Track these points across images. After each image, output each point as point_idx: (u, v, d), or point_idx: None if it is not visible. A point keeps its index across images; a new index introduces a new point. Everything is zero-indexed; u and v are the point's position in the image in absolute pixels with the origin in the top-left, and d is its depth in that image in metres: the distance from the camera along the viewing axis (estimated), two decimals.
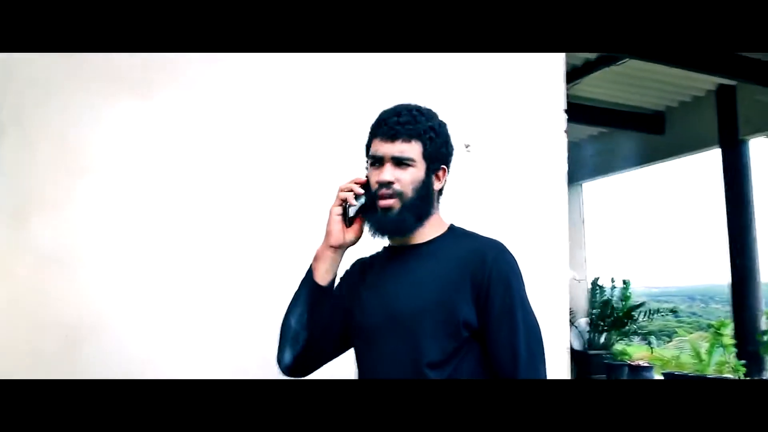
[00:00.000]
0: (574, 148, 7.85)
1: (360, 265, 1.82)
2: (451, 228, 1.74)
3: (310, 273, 1.75)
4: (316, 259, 1.74)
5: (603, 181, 8.75)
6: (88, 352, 2.19)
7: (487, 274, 1.60)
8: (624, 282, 7.21)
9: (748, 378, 4.63)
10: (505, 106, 2.72)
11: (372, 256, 1.81)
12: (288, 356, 1.74)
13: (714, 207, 6.64)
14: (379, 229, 1.66)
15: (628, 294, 7.15)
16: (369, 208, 1.66)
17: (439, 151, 1.67)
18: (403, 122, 1.65)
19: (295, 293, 1.77)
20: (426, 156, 1.65)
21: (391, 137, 1.65)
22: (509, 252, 1.67)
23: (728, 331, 5.24)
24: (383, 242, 1.74)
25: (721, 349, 5.72)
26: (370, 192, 1.65)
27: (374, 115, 2.48)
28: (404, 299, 1.63)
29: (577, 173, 8.16)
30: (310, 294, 1.73)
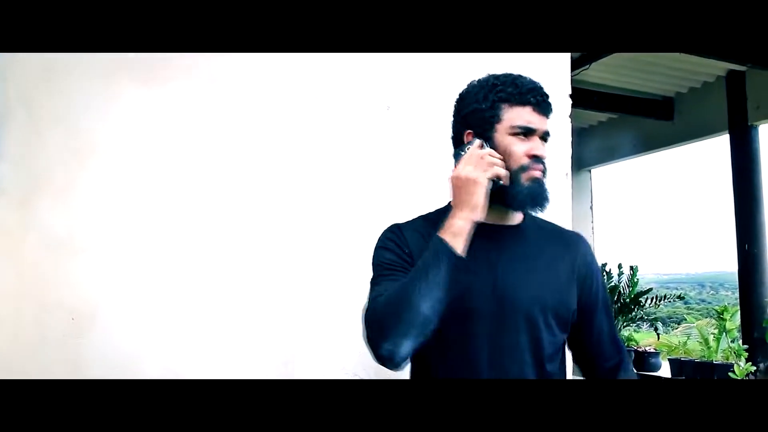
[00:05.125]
0: (582, 134, 7.88)
1: (425, 233, 1.60)
2: (527, 213, 1.68)
3: (449, 251, 1.48)
4: (455, 234, 1.49)
5: (612, 167, 8.72)
6: (93, 334, 2.22)
7: (587, 266, 1.65)
8: (632, 268, 7.19)
9: (749, 362, 4.62)
10: None
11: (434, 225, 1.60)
12: (408, 348, 1.47)
13: (723, 193, 6.61)
14: (537, 201, 1.57)
15: (636, 280, 7.12)
16: (510, 180, 1.56)
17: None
18: (547, 96, 1.61)
19: (426, 275, 1.46)
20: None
21: (544, 111, 1.60)
22: None
23: (732, 316, 5.23)
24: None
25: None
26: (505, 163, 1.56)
27: (377, 114, 2.49)
28: (521, 287, 1.55)
29: (585, 159, 8.14)
30: (450, 274, 1.48)
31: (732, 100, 6.34)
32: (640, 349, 6.63)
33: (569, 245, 1.67)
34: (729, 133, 6.42)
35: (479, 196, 1.51)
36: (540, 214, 1.66)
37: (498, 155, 1.54)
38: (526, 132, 1.57)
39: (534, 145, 1.57)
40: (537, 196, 1.57)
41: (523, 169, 1.55)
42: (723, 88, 6.44)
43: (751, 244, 6.12)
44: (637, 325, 7.73)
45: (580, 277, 1.63)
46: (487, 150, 1.55)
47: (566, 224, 2.69)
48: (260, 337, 2.34)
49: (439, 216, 1.60)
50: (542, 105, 1.59)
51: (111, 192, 2.27)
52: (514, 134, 1.57)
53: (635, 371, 1.84)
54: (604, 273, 7.31)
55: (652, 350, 6.61)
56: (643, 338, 7.62)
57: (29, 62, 2.25)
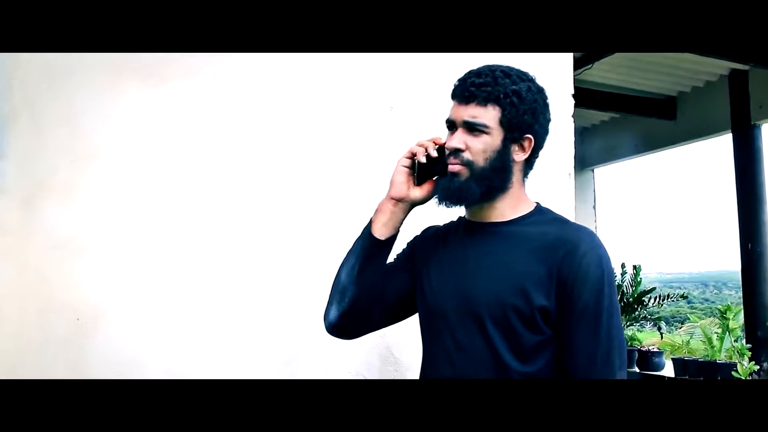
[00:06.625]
0: (585, 134, 7.88)
1: (434, 233, 1.70)
2: (539, 208, 1.61)
3: (368, 225, 1.64)
4: (376, 211, 1.63)
5: (615, 166, 8.71)
6: (98, 336, 2.22)
7: (575, 268, 1.46)
8: (635, 267, 7.17)
9: (752, 362, 4.61)
10: None
11: (447, 226, 1.70)
12: (334, 313, 1.64)
13: (726, 192, 6.60)
14: (441, 196, 1.55)
15: (639, 279, 7.10)
16: (442, 172, 1.55)
17: (521, 118, 1.52)
18: (479, 83, 1.51)
19: (351, 248, 1.66)
20: (504, 123, 1.51)
21: (465, 99, 1.52)
22: (603, 246, 1.51)
23: (735, 315, 5.22)
24: (460, 212, 1.65)
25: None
26: (444, 156, 1.55)
27: (381, 114, 2.50)
28: (478, 285, 1.51)
29: (588, 159, 8.13)
30: (364, 247, 1.62)
31: (735, 99, 6.33)
32: (643, 349, 6.62)
33: (562, 245, 1.49)
34: (732, 132, 6.42)
35: (395, 174, 1.61)
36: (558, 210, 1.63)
37: (434, 140, 1.59)
38: (450, 126, 1.57)
39: (451, 137, 1.55)
40: (441, 189, 1.56)
41: (449, 163, 1.55)
42: (726, 88, 6.43)
43: (754, 243, 6.11)
44: (640, 325, 7.72)
45: (561, 279, 1.47)
46: None
47: None
48: (263, 337, 2.34)
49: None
50: (462, 95, 1.54)
51: (114, 193, 2.28)
52: (448, 129, 1.59)
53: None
54: None
55: (655, 350, 6.59)
56: (647, 338, 7.61)
57: (33, 63, 2.25)
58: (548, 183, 2.68)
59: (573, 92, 2.76)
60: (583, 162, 8.04)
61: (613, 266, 1.54)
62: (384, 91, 2.52)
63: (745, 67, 6.20)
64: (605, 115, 7.76)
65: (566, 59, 2.75)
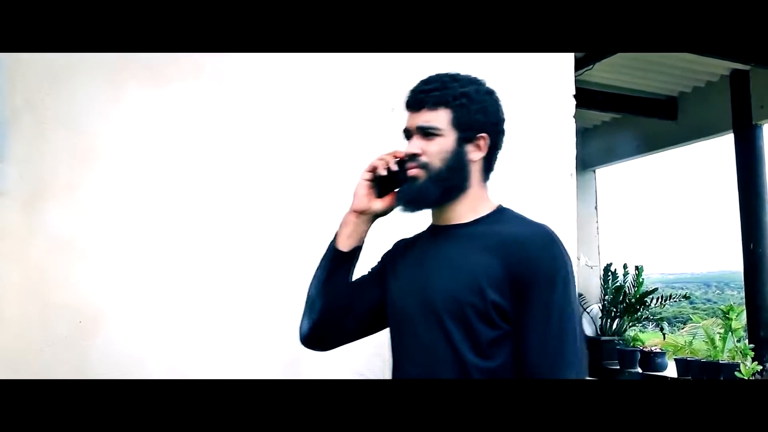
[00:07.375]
0: (586, 135, 7.87)
1: (404, 244, 1.75)
2: (499, 209, 1.63)
3: (333, 239, 1.69)
4: (341, 224, 1.68)
5: (616, 167, 8.70)
6: (100, 337, 2.22)
7: (530, 268, 1.48)
8: (637, 268, 7.17)
9: (755, 362, 4.62)
10: (513, 91, 2.71)
11: (415, 236, 1.74)
12: (305, 325, 1.71)
13: (728, 193, 6.59)
14: (402, 201, 1.59)
15: (641, 280, 7.10)
16: (402, 182, 1.60)
17: (473, 117, 1.55)
18: (428, 90, 1.56)
19: (320, 262, 1.72)
20: (455, 124, 1.55)
21: (417, 107, 1.57)
22: (558, 243, 1.53)
23: (737, 315, 5.22)
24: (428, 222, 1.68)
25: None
26: (405, 167, 1.59)
27: (382, 116, 2.50)
28: (437, 284, 1.54)
29: (590, 159, 8.13)
30: (330, 259, 1.68)
31: (736, 99, 6.33)
32: (646, 349, 6.62)
33: (515, 244, 1.50)
34: (733, 132, 6.41)
35: (357, 187, 1.67)
36: (537, 213, 1.65)
37: (394, 154, 1.63)
38: (407, 136, 1.62)
39: (408, 145, 1.60)
40: (402, 193, 1.61)
41: (406, 169, 1.59)
42: (727, 88, 6.42)
43: (756, 244, 6.11)
44: (642, 325, 7.72)
45: (515, 276, 1.47)
46: None
47: (570, 224, 2.69)
48: (266, 337, 2.34)
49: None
50: (414, 103, 1.59)
51: (116, 194, 2.28)
52: (405, 140, 1.63)
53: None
54: (609, 273, 7.29)
55: (658, 350, 6.59)
56: (649, 338, 7.60)
57: (35, 64, 2.25)
58: (549, 184, 2.68)
59: (574, 93, 2.76)
60: (585, 163, 8.03)
61: (570, 263, 1.54)
62: (385, 93, 2.53)
63: (746, 67, 6.19)
64: (606, 116, 7.76)
65: (567, 60, 2.75)
